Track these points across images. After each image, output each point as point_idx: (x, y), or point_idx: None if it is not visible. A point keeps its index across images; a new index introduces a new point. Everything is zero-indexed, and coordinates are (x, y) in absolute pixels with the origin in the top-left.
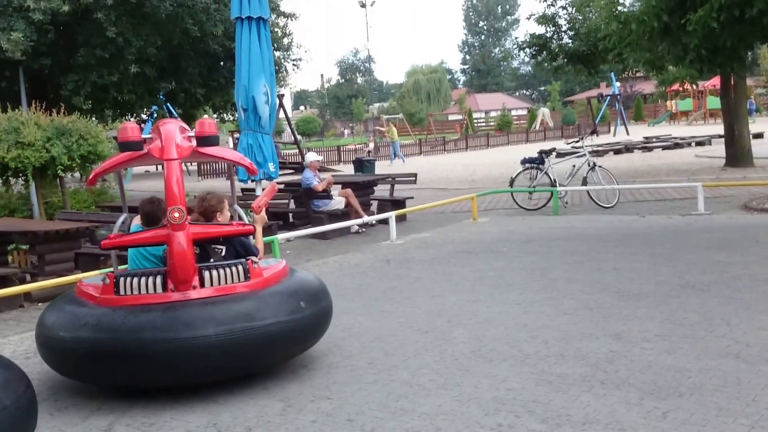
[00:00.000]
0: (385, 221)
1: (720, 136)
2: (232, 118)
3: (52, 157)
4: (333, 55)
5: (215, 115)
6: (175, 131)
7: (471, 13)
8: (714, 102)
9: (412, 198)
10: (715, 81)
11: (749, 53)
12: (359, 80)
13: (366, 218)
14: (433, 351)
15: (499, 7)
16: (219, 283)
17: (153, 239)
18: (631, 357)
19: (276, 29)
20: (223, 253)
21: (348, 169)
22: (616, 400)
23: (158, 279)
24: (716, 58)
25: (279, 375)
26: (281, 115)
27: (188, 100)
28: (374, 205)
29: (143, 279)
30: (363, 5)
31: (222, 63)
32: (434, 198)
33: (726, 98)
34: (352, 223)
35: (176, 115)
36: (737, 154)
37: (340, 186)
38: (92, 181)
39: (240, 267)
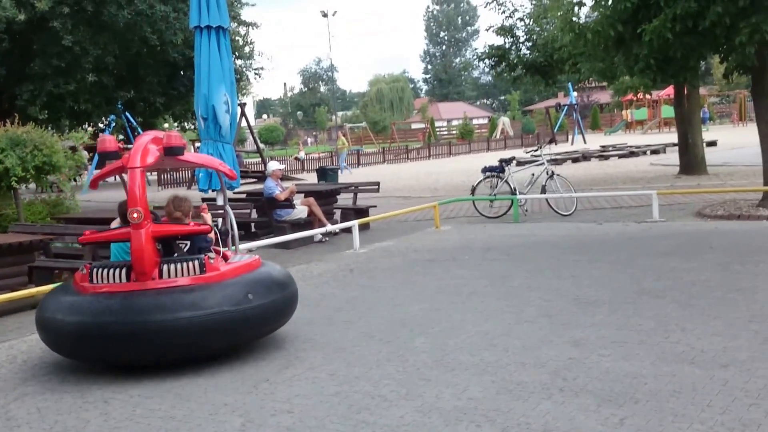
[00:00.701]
0: (348, 230)
1: (674, 145)
2: (192, 127)
3: (6, 168)
4: (296, 64)
5: (176, 124)
6: (144, 143)
7: (432, 24)
8: (668, 111)
9: (375, 206)
10: (669, 90)
11: (702, 63)
12: (322, 89)
13: (329, 227)
14: (396, 361)
15: (459, 18)
16: (175, 276)
17: (118, 236)
18: (589, 364)
19: (237, 38)
20: (186, 249)
21: (311, 178)
22: (575, 408)
23: (123, 271)
24: (668, 68)
25: (239, 388)
26: (243, 124)
27: (147, 109)
28: (337, 213)
29: (111, 270)
30: (325, 15)
31: (182, 72)
32: (397, 206)
33: (680, 107)
34: (315, 232)
35: (135, 125)
36: (691, 162)
37: (302, 195)
38: (94, 184)
39: (196, 262)
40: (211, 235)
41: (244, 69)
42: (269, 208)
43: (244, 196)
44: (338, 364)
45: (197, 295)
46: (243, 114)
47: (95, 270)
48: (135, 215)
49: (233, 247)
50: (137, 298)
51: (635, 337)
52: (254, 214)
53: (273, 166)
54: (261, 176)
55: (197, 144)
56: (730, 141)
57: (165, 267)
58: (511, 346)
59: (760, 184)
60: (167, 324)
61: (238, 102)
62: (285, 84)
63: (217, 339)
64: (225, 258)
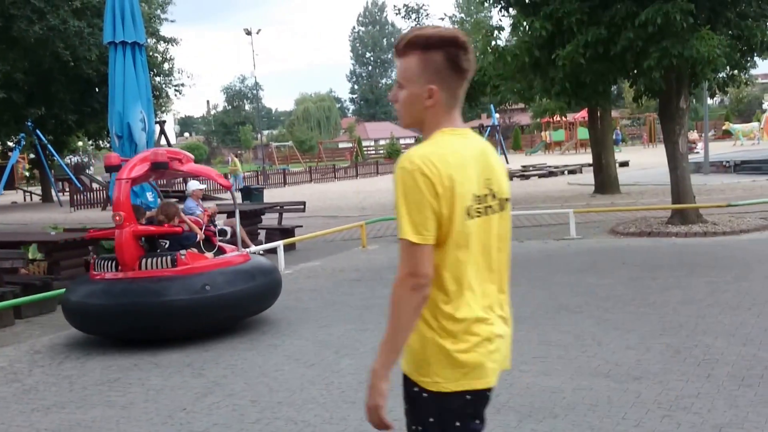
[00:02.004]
0: (273, 250)
1: (590, 165)
2: (108, 146)
3: None
4: (220, 82)
5: (90, 142)
6: (134, 159)
7: (358, 44)
8: (584, 133)
9: (301, 226)
10: (584, 113)
11: (614, 87)
12: (247, 107)
13: (253, 248)
14: (320, 384)
15: (384, 40)
16: (150, 268)
17: (109, 234)
18: (510, 380)
19: (155, 54)
20: (167, 246)
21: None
22: (497, 424)
23: (112, 263)
24: (582, 91)
25: (153, 419)
26: (163, 142)
27: (59, 126)
28: (262, 234)
29: (104, 262)
30: (249, 33)
31: (97, 89)
32: (324, 226)
33: (593, 129)
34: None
35: (45, 142)
36: (605, 181)
37: (225, 215)
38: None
39: (169, 257)
40: (201, 234)
41: (164, 85)
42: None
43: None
44: (260, 389)
45: (162, 285)
46: (162, 132)
47: (93, 261)
48: (117, 218)
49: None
50: (116, 284)
51: (554, 352)
52: None
53: (193, 185)
54: (181, 196)
55: None
56: (641, 161)
57: (144, 261)
58: None
59: (669, 203)
60: (135, 308)
61: (157, 119)
62: (208, 102)
63: (176, 323)
64: (223, 252)
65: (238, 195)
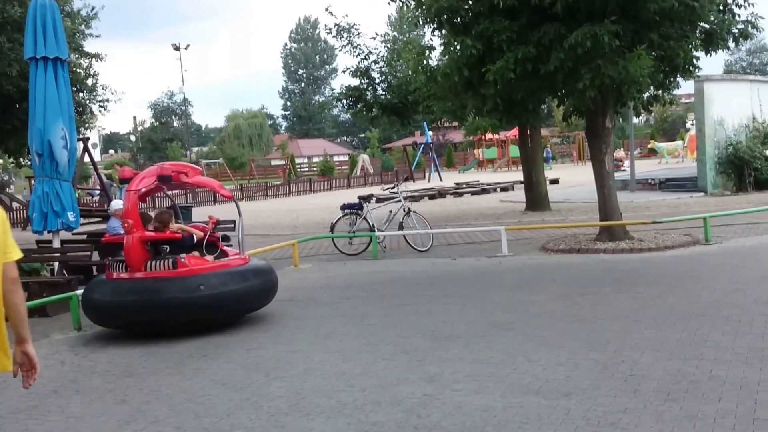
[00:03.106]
0: None
1: (521, 182)
2: (29, 163)
3: None
4: (148, 98)
5: (11, 160)
6: (143, 173)
7: (290, 61)
8: (515, 150)
9: (231, 246)
10: (516, 131)
11: (544, 106)
12: (176, 123)
13: None
14: (248, 408)
15: (317, 57)
16: (154, 270)
17: (119, 239)
18: (443, 399)
19: (79, 70)
20: (169, 250)
21: None
22: None
23: (123, 264)
24: (513, 109)
25: None
26: (87, 159)
27: None
28: None
29: (116, 264)
30: (177, 48)
31: (17, 105)
32: (255, 245)
33: (524, 147)
34: None
35: None
36: (536, 198)
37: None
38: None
39: (170, 260)
40: (198, 233)
41: (88, 102)
42: (113, 249)
43: (84, 236)
44: (186, 416)
45: (162, 284)
46: (86, 149)
47: (108, 263)
48: (126, 224)
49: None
50: (122, 283)
51: (486, 369)
52: (96, 256)
53: (116, 205)
54: (105, 215)
55: (33, 181)
56: (570, 179)
57: (149, 263)
58: (368, 386)
59: (597, 220)
60: (137, 304)
61: (81, 136)
62: (135, 118)
63: (174, 317)
64: (225, 256)
65: None
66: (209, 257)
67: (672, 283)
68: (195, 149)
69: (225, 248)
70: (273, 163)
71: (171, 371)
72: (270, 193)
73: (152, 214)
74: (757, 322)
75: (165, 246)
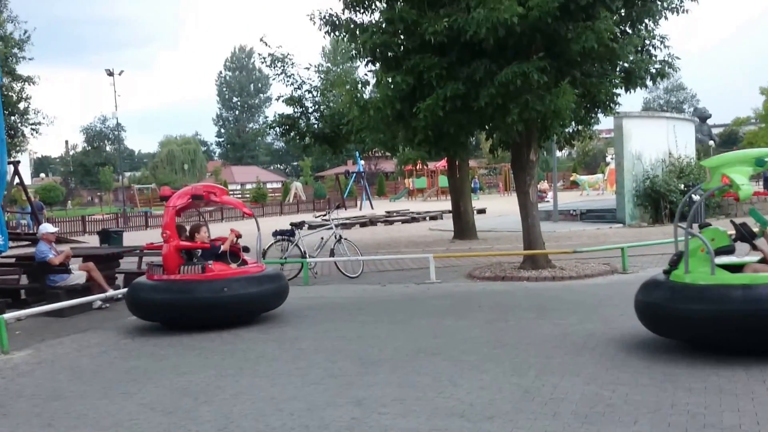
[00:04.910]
0: None
1: (449, 212)
2: None
3: None
4: (81, 122)
5: None
6: (180, 192)
7: (224, 89)
8: (444, 181)
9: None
10: (445, 162)
11: (472, 138)
12: (108, 148)
13: (110, 293)
14: None
15: (251, 85)
16: (187, 273)
17: (159, 247)
18: (369, 423)
19: (11, 93)
20: (199, 254)
21: (93, 241)
22: None
23: (161, 269)
24: (442, 141)
25: None
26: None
27: None
28: (120, 278)
29: (155, 267)
30: (111, 74)
31: None
32: None
33: (453, 178)
34: (95, 298)
35: None
36: (463, 227)
37: (81, 259)
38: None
39: (199, 266)
40: (225, 247)
41: (19, 125)
42: (42, 273)
43: (12, 260)
44: None
45: (192, 286)
46: (16, 172)
47: (148, 267)
48: (164, 234)
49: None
50: (160, 284)
51: (413, 393)
52: (24, 280)
53: (45, 228)
54: (34, 239)
55: None
56: (497, 209)
57: (182, 268)
58: (296, 410)
59: (521, 249)
60: (171, 301)
61: (11, 160)
62: (67, 142)
63: (201, 315)
64: (245, 263)
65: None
66: (232, 264)
67: (591, 311)
68: (128, 174)
69: (245, 257)
70: None
71: (98, 395)
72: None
73: (187, 226)
74: (671, 349)
75: (197, 252)
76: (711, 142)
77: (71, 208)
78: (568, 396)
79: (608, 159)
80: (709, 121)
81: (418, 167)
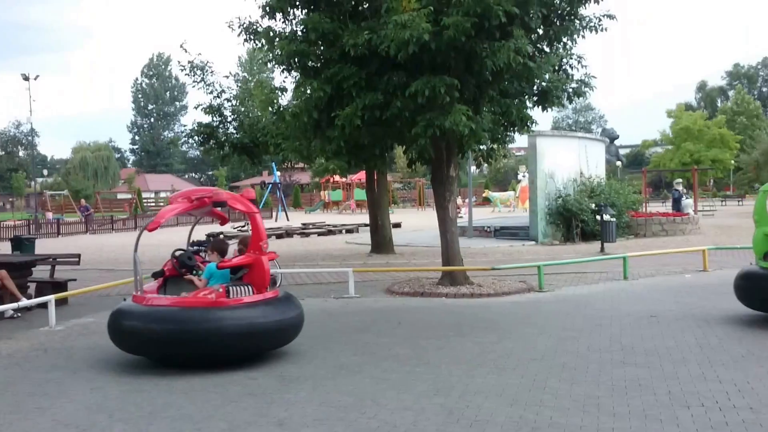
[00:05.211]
0: (43, 305)
1: (365, 225)
2: None
3: None
4: None
5: None
6: (246, 196)
7: (140, 96)
8: (360, 194)
9: (75, 280)
10: (362, 175)
11: (391, 152)
12: (21, 153)
13: (23, 302)
14: None
15: (167, 93)
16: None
17: (244, 262)
18: None
19: None
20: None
21: (5, 248)
22: None
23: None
24: (360, 153)
25: None
26: None
27: None
28: (32, 287)
29: (241, 288)
30: (26, 78)
31: None
32: (100, 280)
33: (371, 191)
34: (7, 307)
35: None
36: (381, 241)
37: None
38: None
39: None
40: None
41: None
42: None
43: None
44: None
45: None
46: None
47: (230, 289)
48: (265, 245)
49: None
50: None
51: (335, 413)
52: None
53: None
54: None
55: None
56: (412, 224)
57: (230, 289)
58: (215, 429)
59: (439, 264)
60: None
61: None
62: None
63: (227, 351)
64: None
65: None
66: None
67: (510, 329)
68: (40, 180)
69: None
70: (119, 196)
71: (11, 409)
72: (116, 227)
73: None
74: (591, 370)
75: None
76: (618, 163)
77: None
78: (493, 418)
79: (520, 176)
80: (617, 142)
81: (334, 179)
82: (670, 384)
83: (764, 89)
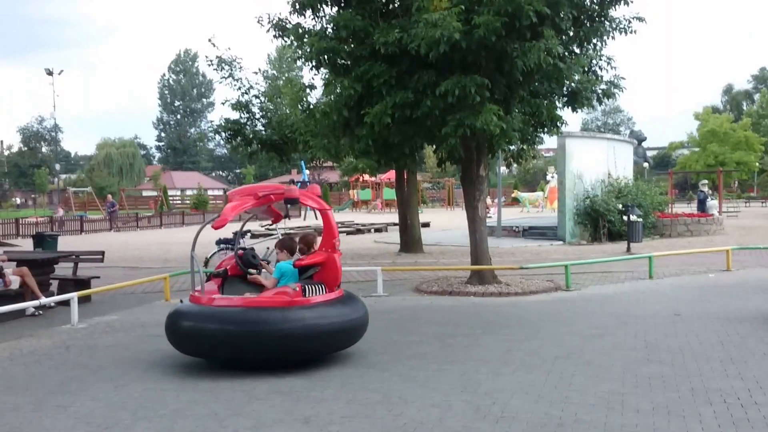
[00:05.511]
0: (66, 303)
1: (395, 224)
2: None
3: None
4: (17, 122)
5: None
6: (312, 190)
7: (166, 92)
8: (389, 193)
9: (98, 278)
10: (391, 174)
11: (422, 151)
12: (44, 149)
13: (44, 300)
14: None
15: (194, 90)
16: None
17: (318, 260)
18: None
19: None
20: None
21: (27, 244)
22: None
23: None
24: (390, 152)
25: None
26: None
27: None
28: (54, 284)
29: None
30: (50, 73)
31: None
32: (124, 278)
33: (400, 191)
34: (28, 305)
35: None
36: (410, 241)
37: (14, 263)
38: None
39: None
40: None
41: None
42: None
43: None
44: None
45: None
46: None
47: (306, 288)
48: (337, 242)
49: None
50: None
51: (362, 411)
52: None
53: None
54: None
55: None
56: (440, 223)
57: (307, 288)
58: (241, 427)
59: (468, 263)
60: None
61: None
62: (2, 142)
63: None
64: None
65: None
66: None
67: (537, 327)
68: (63, 176)
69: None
70: (145, 194)
71: (32, 407)
72: (140, 225)
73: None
74: (616, 367)
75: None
76: (645, 164)
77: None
78: (519, 414)
79: (548, 177)
80: (645, 144)
81: (362, 179)
82: (692, 381)
83: None
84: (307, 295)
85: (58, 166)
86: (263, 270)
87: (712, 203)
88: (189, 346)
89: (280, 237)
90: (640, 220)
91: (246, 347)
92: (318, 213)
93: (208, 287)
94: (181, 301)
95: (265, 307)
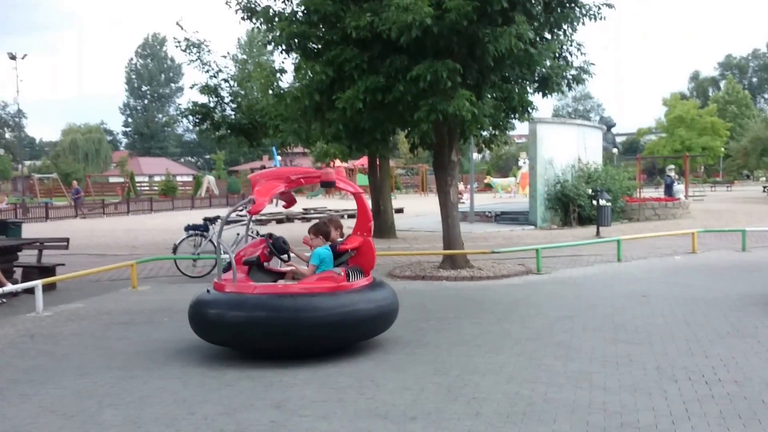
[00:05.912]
0: (30, 291)
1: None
2: None
3: None
4: None
5: None
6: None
7: (134, 77)
8: (362, 179)
9: (64, 265)
10: (364, 161)
11: (393, 136)
12: (8, 135)
13: (8, 287)
14: None
15: (162, 74)
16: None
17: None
18: (289, 426)
19: None
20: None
21: None
22: None
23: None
24: (361, 137)
25: None
26: None
27: None
28: (18, 272)
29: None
30: (13, 57)
31: None
32: (90, 265)
33: (373, 176)
34: None
35: None
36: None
37: None
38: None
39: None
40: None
41: None
42: None
43: None
44: None
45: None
46: None
47: (350, 273)
48: (371, 227)
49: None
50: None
51: (334, 395)
52: None
53: None
54: None
55: None
56: (414, 209)
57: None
58: (210, 413)
59: (440, 248)
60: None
61: None
62: None
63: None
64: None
65: None
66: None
67: (508, 310)
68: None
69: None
70: (111, 180)
71: None
72: (107, 211)
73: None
74: (585, 348)
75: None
76: (614, 150)
77: None
78: (490, 395)
79: (521, 163)
80: (614, 130)
81: (334, 165)
82: (659, 359)
83: (754, 79)
84: (350, 280)
85: (37, 163)
86: (292, 256)
87: (679, 188)
88: (228, 336)
89: (314, 222)
90: (609, 204)
91: (292, 335)
92: (352, 196)
93: (230, 276)
94: (208, 291)
95: (313, 293)
